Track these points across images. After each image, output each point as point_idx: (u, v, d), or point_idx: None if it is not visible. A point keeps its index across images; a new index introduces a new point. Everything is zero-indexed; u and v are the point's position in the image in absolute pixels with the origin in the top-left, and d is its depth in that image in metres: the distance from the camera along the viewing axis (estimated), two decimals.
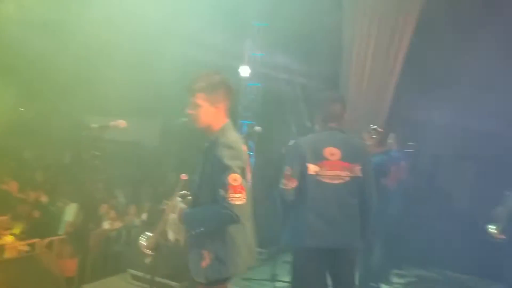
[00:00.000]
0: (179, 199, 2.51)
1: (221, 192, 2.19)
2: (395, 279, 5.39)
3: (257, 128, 4.56)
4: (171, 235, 2.46)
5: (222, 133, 2.41)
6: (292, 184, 3.02)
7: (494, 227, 4.44)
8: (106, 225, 6.38)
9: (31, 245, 5.38)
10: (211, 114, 2.43)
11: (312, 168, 3.04)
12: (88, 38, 7.50)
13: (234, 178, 2.19)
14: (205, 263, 2.31)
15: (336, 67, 7.67)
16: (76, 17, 7.16)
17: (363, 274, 4.34)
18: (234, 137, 2.41)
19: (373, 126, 4.68)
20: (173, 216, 2.45)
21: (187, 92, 2.45)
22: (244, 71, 8.42)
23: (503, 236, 4.34)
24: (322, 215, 3.03)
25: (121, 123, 2.94)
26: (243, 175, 2.26)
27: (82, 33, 7.49)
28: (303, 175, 3.03)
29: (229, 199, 2.16)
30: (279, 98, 8.09)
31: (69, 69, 8.76)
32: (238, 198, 2.17)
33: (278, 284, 4.90)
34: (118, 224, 6.44)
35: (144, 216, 6.58)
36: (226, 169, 2.21)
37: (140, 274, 4.57)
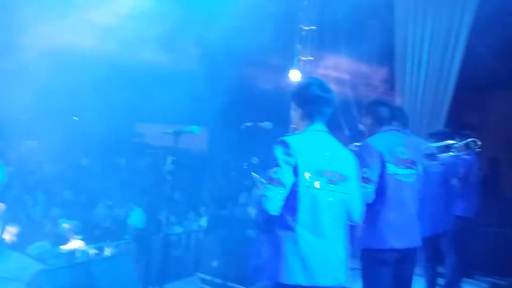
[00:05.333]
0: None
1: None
2: None
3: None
4: None
5: None
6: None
7: None
8: (166, 229, 6.50)
9: (99, 248, 5.55)
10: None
11: (391, 168, 3.03)
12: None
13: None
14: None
15: (390, 68, 7.59)
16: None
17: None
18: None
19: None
20: None
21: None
22: (294, 75, 8.41)
23: None
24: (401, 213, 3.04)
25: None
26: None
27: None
28: (382, 175, 3.00)
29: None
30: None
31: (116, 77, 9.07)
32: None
33: None
34: (177, 229, 6.56)
35: (203, 221, 6.68)
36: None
37: (209, 278, 4.64)
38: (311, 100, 2.32)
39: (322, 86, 2.34)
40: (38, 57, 6.56)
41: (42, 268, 3.99)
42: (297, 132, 2.37)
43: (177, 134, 3.39)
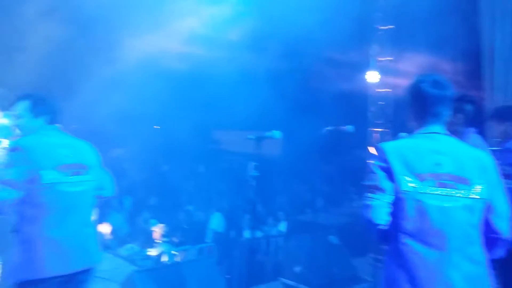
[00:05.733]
0: None
1: None
2: None
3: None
4: None
5: None
6: None
7: None
8: (246, 234, 6.59)
9: (184, 251, 5.74)
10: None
11: None
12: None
13: None
14: None
15: (477, 67, 7.14)
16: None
17: None
18: None
19: None
20: None
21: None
22: (372, 76, 8.21)
23: None
24: None
25: None
26: None
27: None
28: None
29: None
30: None
31: (197, 84, 9.39)
32: None
33: None
34: (257, 234, 6.61)
35: (282, 226, 6.69)
36: None
37: (292, 283, 4.62)
38: (422, 99, 2.09)
39: (435, 82, 2.09)
40: (123, 71, 6.97)
41: (134, 269, 4.20)
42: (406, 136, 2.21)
43: (258, 139, 3.43)
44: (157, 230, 5.96)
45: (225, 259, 5.84)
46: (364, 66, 8.31)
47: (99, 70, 6.93)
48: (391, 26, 8.19)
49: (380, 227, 2.02)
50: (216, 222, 6.84)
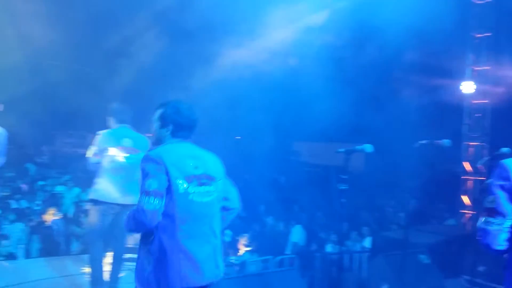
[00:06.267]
0: None
1: None
2: None
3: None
4: None
5: None
6: None
7: None
8: (328, 248, 6.43)
9: (266, 261, 5.73)
10: None
11: None
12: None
13: None
14: None
15: None
16: None
17: None
18: None
19: None
20: None
21: None
22: (467, 86, 7.71)
23: None
24: None
25: None
26: None
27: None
28: None
29: None
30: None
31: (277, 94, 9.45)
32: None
33: None
34: (339, 248, 6.43)
35: (367, 242, 6.45)
36: None
37: None
38: None
39: None
40: (216, 81, 7.20)
41: None
42: None
43: (348, 153, 3.29)
44: (242, 239, 6.02)
45: (307, 271, 5.74)
46: (459, 75, 7.84)
47: (196, 79, 7.21)
48: (488, 34, 7.67)
49: (499, 251, 1.85)
50: (297, 234, 6.76)
